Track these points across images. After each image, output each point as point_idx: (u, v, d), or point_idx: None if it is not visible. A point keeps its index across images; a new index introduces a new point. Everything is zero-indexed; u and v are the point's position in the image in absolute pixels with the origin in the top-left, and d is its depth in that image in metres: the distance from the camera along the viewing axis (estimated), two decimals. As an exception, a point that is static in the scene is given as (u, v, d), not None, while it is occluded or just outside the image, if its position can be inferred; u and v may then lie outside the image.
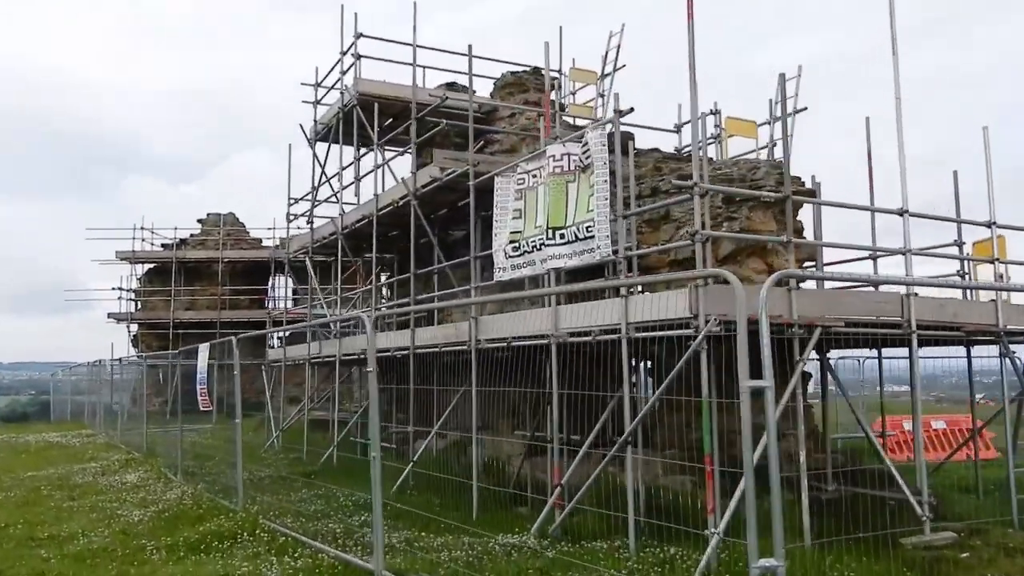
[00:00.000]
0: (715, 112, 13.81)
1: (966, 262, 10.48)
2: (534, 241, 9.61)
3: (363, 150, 17.80)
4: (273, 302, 34.79)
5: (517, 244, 9.97)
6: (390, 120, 16.38)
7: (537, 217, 9.72)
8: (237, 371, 9.98)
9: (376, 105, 14.81)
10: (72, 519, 10.17)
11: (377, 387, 6.96)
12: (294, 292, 35.39)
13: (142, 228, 33.85)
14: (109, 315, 33.32)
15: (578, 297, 9.46)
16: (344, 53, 16.16)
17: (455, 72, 16.49)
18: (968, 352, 10.17)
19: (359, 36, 15.52)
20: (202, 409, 12.30)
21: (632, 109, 8.41)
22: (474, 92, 16.06)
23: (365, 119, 15.38)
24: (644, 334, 7.79)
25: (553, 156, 9.27)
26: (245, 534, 8.39)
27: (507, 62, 16.55)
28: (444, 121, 13.07)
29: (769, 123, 13.43)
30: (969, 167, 11.20)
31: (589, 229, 8.63)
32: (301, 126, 18.39)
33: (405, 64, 15.96)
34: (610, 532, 8.67)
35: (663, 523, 7.62)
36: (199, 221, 35.55)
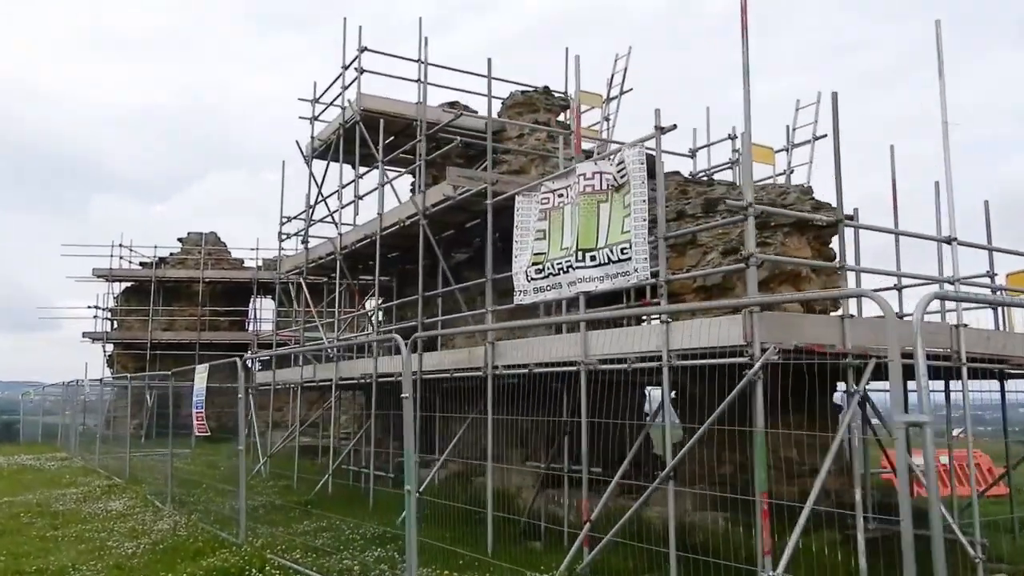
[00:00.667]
0: (732, 137, 13.56)
1: (1000, 292, 10.23)
2: (560, 263, 9.20)
3: (362, 169, 17.37)
4: (255, 324, 34.04)
5: (541, 266, 9.56)
6: (391, 138, 15.97)
7: (564, 238, 9.32)
8: (242, 394, 9.42)
9: (381, 122, 14.38)
10: (59, 550, 9.50)
11: (413, 414, 6.47)
12: (278, 314, 34.74)
13: (120, 245, 33.03)
14: (84, 334, 32.34)
15: (601, 324, 9.07)
16: (346, 68, 15.76)
17: (458, 91, 16.18)
18: (1002, 386, 9.88)
19: (363, 50, 15.13)
20: (197, 434, 11.68)
21: (675, 126, 8.06)
22: (475, 112, 15.78)
23: (368, 136, 14.97)
24: (688, 362, 7.38)
25: (584, 175, 8.89)
26: (254, 571, 7.80)
27: (513, 82, 16.22)
28: (458, 139, 12.70)
29: (787, 149, 13.20)
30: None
31: (624, 251, 8.24)
32: (297, 143, 17.92)
33: (409, 80, 15.60)
34: (639, 571, 8.23)
35: (709, 559, 7.15)
36: (179, 240, 34.76)
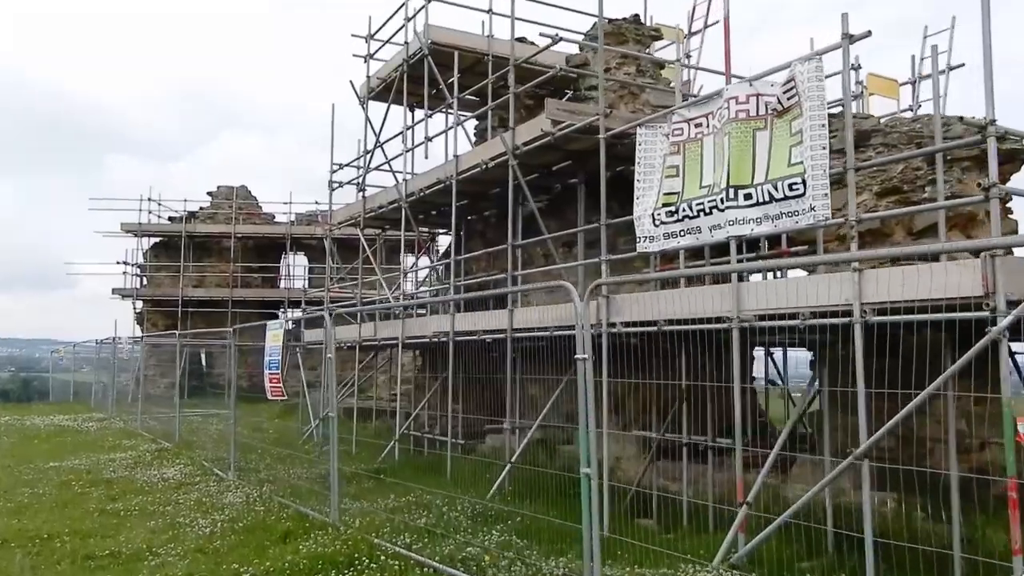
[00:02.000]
0: (856, 67, 12.12)
1: None
2: (701, 204, 7.90)
3: (419, 111, 16.03)
4: (288, 280, 32.97)
5: (673, 207, 8.27)
6: (456, 76, 14.63)
7: (703, 175, 8.02)
8: (331, 353, 8.23)
9: (455, 55, 13.03)
10: (127, 528, 8.43)
11: (590, 379, 5.26)
12: (311, 271, 33.62)
13: (148, 199, 31.88)
14: (114, 291, 31.35)
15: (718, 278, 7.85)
16: (409, -3, 14.36)
17: (531, 22, 14.79)
18: None
19: (430, -23, 13.72)
20: (271, 398, 10.55)
21: (869, 32, 6.66)
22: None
23: (437, 72, 13.62)
24: (889, 318, 6.11)
25: (735, 98, 7.56)
26: (366, 560, 6.67)
27: (590, 14, 14.79)
28: (557, 66, 11.36)
29: (913, 83, 11.78)
30: None
31: (794, 186, 6.94)
32: (351, 83, 16.58)
33: (478, 10, 14.24)
34: (798, 558, 7.08)
35: (916, 547, 5.96)
36: (209, 194, 33.57)
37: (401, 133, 14.86)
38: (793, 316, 6.84)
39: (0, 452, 14.38)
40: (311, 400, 19.73)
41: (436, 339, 12.77)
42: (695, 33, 14.94)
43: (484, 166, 11.82)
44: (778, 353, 11.78)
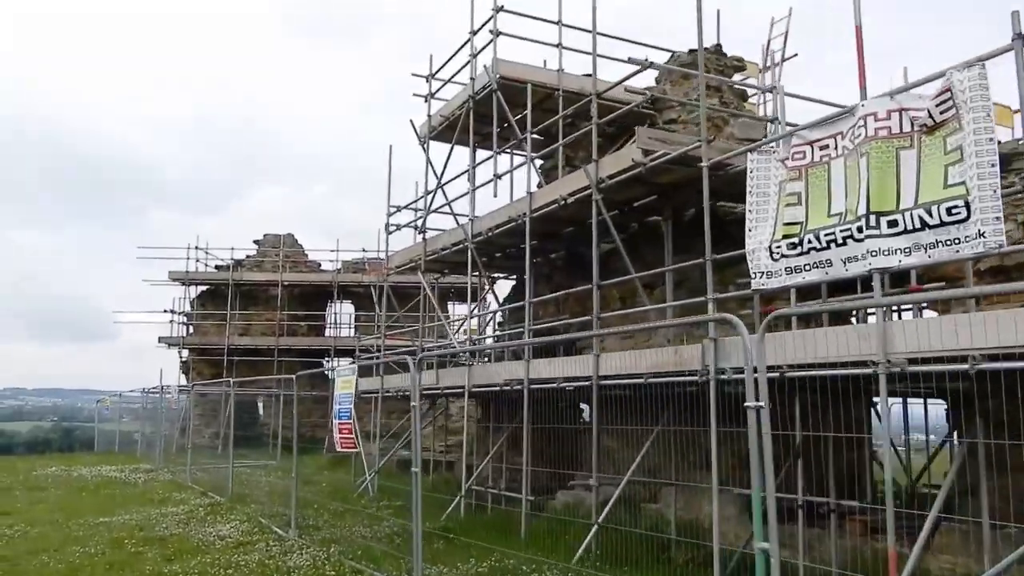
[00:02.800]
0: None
1: None
2: (831, 234, 7.05)
3: (483, 152, 15.47)
4: (334, 328, 32.42)
5: (796, 239, 7.43)
6: (523, 113, 14.06)
7: (832, 202, 7.18)
8: (416, 400, 7.42)
9: (528, 89, 12.44)
10: (189, 596, 7.63)
11: (762, 434, 4.40)
12: (358, 319, 33.06)
13: (196, 248, 31.69)
14: (160, 339, 30.99)
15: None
16: (476, 32, 13.86)
17: (604, 57, 14.17)
18: None
19: (499, 9, 13.20)
20: (341, 450, 9.75)
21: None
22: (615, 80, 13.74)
23: (502, 109, 13.04)
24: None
25: (873, 115, 6.76)
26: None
27: (664, 49, 14.20)
28: (647, 93, 10.68)
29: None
30: None
31: (954, 210, 6.07)
32: (412, 122, 16.08)
33: (546, 44, 13.71)
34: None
35: None
36: (255, 242, 33.38)
37: (467, 172, 14.25)
38: (958, 359, 5.92)
39: (49, 505, 13.70)
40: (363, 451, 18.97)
41: (508, 387, 11.93)
42: (769, 68, 14.27)
43: (563, 202, 11.09)
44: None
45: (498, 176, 13.39)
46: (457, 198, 14.36)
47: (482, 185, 13.92)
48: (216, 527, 11.52)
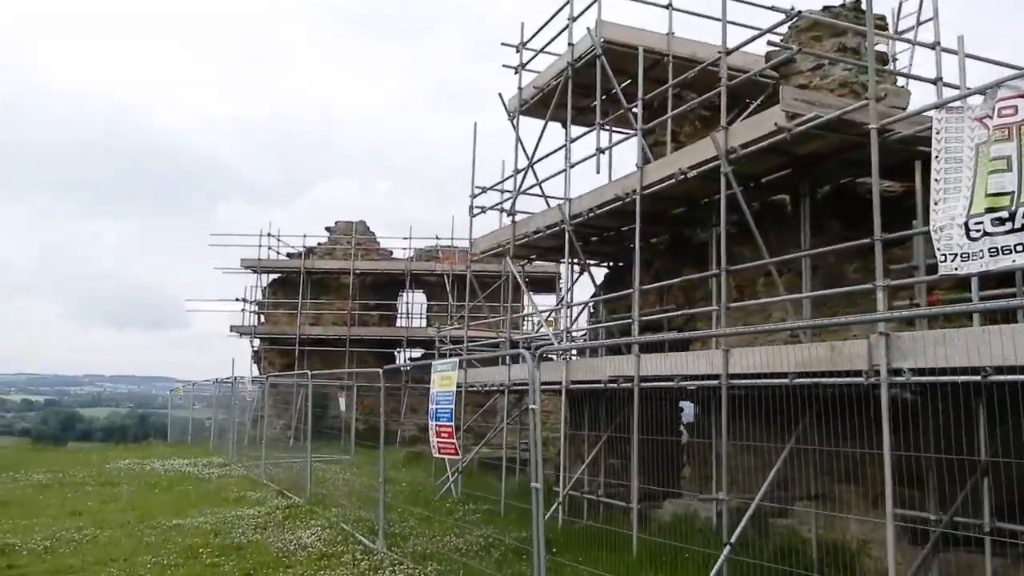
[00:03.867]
0: None
1: None
2: (1059, 205, 5.65)
3: (578, 127, 14.24)
4: (406, 318, 31.59)
5: (1004, 213, 6.03)
6: (627, 82, 12.77)
7: (1059, 165, 5.77)
8: (537, 403, 6.25)
9: (639, 52, 11.16)
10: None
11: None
12: (430, 308, 32.20)
13: (268, 235, 31.18)
14: (232, 328, 30.61)
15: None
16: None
17: (709, 18, 12.82)
18: None
19: (601, -31, 11.94)
20: (440, 455, 8.64)
21: None
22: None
23: (605, 77, 11.79)
24: None
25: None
26: None
27: (780, 9, 12.73)
28: (767, 65, 9.29)
29: None
30: None
31: None
32: (500, 96, 14.93)
33: (655, 5, 12.39)
34: None
35: None
36: (327, 229, 32.71)
37: (563, 147, 12.97)
38: None
39: (121, 505, 13.01)
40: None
41: (614, 384, 10.71)
42: (904, 32, 12.74)
43: (682, 176, 9.78)
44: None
45: (601, 151, 12.13)
46: (553, 176, 13.10)
47: (581, 161, 12.69)
48: (296, 533, 10.59)
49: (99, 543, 9.91)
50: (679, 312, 12.41)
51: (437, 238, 31.02)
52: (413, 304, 32.01)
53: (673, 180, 9.97)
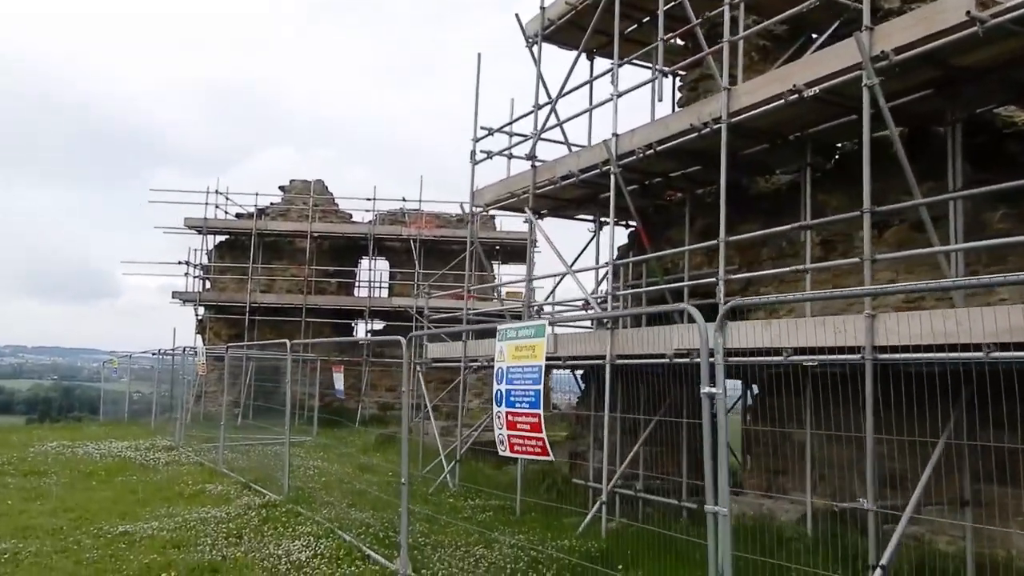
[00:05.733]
0: None
1: None
2: None
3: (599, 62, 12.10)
4: (370, 286, 29.02)
5: None
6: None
7: None
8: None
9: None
10: None
11: None
12: (391, 276, 29.68)
13: (216, 192, 28.24)
14: (174, 295, 27.69)
15: None
16: None
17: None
18: None
19: None
20: (514, 454, 6.29)
21: None
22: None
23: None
24: None
25: None
26: None
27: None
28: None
29: None
30: None
31: None
32: (517, 17, 12.60)
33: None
34: None
35: None
36: (281, 188, 29.87)
37: (610, 71, 10.75)
38: None
39: (50, 504, 10.40)
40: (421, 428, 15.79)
41: (684, 359, 8.60)
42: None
43: (795, 95, 7.66)
44: None
45: (664, 73, 9.91)
46: (596, 106, 10.81)
47: (631, 90, 10.48)
48: (283, 545, 8.30)
49: (21, 565, 7.43)
50: (738, 275, 10.40)
51: (404, 200, 28.54)
52: (375, 271, 29.41)
53: (775, 104, 7.85)
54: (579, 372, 13.89)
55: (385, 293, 29.60)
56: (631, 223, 13.74)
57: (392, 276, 29.57)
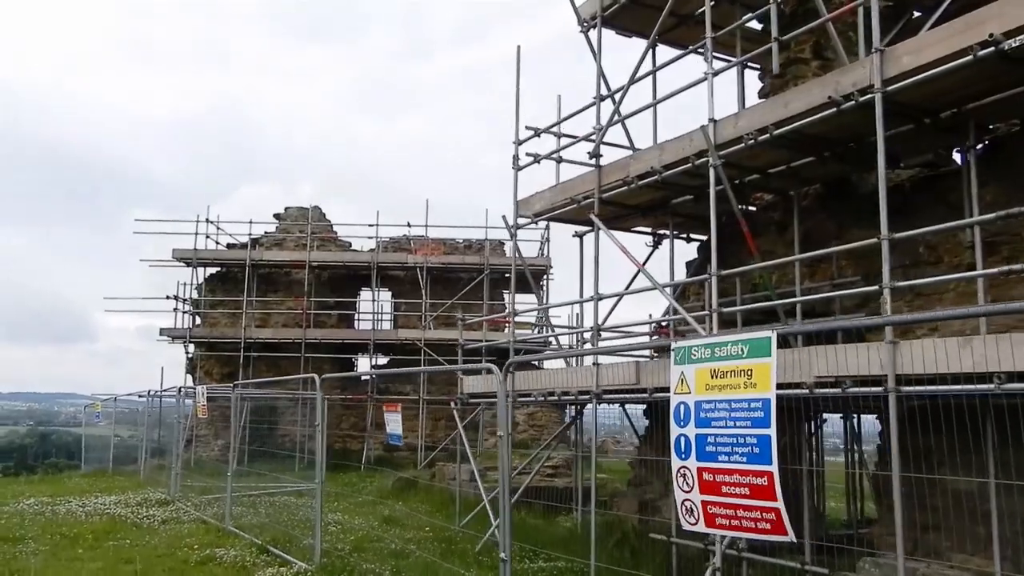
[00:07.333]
0: None
1: None
2: None
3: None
4: (374, 319, 27.09)
5: None
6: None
7: None
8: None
9: None
10: None
11: None
12: (396, 307, 27.83)
13: (206, 221, 26.41)
14: (162, 331, 25.69)
15: None
16: None
17: None
18: None
19: None
20: (728, 533, 4.22)
21: None
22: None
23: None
24: None
25: None
26: None
27: None
28: None
29: None
30: None
31: None
32: (572, 2, 11.01)
33: None
34: None
35: None
36: (276, 216, 28.07)
37: (677, 59, 9.11)
38: None
39: (27, 583, 8.47)
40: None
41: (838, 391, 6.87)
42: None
43: (970, 55, 6.04)
44: None
45: (779, 40, 8.27)
46: (686, 87, 9.11)
47: (720, 72, 8.85)
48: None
49: None
50: (845, 290, 8.77)
51: (409, 225, 26.78)
52: (378, 303, 27.52)
53: (957, 62, 6.23)
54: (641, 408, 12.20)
55: (388, 325, 27.77)
56: (694, 236, 12.13)
57: (396, 307, 27.74)
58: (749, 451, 4.04)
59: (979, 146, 8.21)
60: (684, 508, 4.51)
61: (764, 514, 3.97)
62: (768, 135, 7.79)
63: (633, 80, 10.05)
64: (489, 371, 10.46)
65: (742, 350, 4.14)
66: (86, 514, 13.20)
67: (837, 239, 9.23)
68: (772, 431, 3.95)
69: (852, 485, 11.71)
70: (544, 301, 18.56)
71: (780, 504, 3.89)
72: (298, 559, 9.34)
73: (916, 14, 9.77)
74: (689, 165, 8.69)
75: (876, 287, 6.90)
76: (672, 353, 4.59)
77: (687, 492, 4.44)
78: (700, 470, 4.33)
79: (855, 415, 10.97)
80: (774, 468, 3.93)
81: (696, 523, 4.44)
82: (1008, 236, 7.52)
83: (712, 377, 4.30)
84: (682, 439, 4.46)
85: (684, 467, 4.44)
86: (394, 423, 11.20)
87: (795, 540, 4.06)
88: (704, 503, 4.33)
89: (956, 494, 7.48)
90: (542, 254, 26.53)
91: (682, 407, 4.49)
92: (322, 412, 10.13)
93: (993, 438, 6.75)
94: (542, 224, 20.31)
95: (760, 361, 4.04)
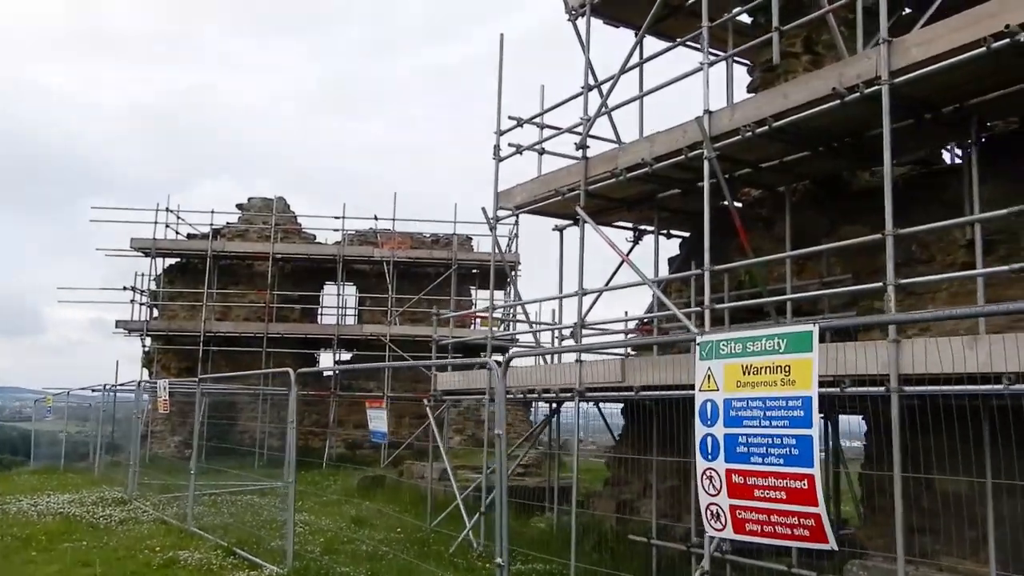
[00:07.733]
0: None
1: None
2: None
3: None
4: (338, 313, 26.55)
5: None
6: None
7: None
8: None
9: None
10: None
11: None
12: (360, 302, 27.30)
13: (166, 210, 25.65)
14: (118, 323, 24.88)
15: None
16: None
17: None
18: None
19: None
20: (761, 539, 4.21)
21: None
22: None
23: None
24: None
25: None
26: None
27: None
28: None
29: None
30: None
31: None
32: (558, -12, 10.73)
33: None
34: None
35: None
36: (238, 206, 27.38)
37: (671, 48, 8.87)
38: None
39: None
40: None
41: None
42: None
43: (983, 47, 5.88)
44: None
45: (780, 30, 8.08)
46: (681, 77, 8.86)
47: (716, 62, 8.63)
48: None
49: None
50: (842, 288, 8.63)
51: (376, 218, 26.30)
52: (343, 297, 26.98)
53: (970, 54, 6.06)
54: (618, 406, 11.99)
55: (352, 320, 27.25)
56: (675, 232, 11.95)
57: (361, 302, 27.24)
58: (787, 452, 3.77)
59: (981, 140, 8.11)
60: (709, 513, 4.23)
61: (803, 520, 3.71)
62: (767, 127, 7.56)
63: (624, 69, 9.77)
64: (483, 366, 10.14)
65: (779, 344, 3.88)
66: (38, 513, 12.58)
67: (827, 236, 9.09)
68: (814, 431, 3.68)
69: (833, 486, 11.59)
70: (513, 297, 18.28)
71: (822, 509, 3.64)
72: (268, 562, 8.93)
73: (907, 10, 9.67)
74: (682, 157, 8.44)
75: (879, 284, 6.69)
76: (697, 347, 4.32)
77: (713, 496, 4.16)
78: (729, 472, 4.06)
79: (838, 415, 10.84)
80: (816, 471, 3.67)
81: (723, 529, 4.17)
82: (1007, 235, 7.41)
83: (744, 373, 4.03)
84: (708, 439, 4.18)
85: (711, 469, 4.16)
86: (378, 419, 10.79)
87: (836, 548, 3.80)
88: (733, 507, 4.06)
89: (947, 496, 7.34)
90: (511, 249, 26.19)
91: (708, 405, 4.21)
92: (294, 409, 9.67)
93: (991, 439, 6.61)
94: (511, 220, 20.05)
95: (800, 356, 3.77)
